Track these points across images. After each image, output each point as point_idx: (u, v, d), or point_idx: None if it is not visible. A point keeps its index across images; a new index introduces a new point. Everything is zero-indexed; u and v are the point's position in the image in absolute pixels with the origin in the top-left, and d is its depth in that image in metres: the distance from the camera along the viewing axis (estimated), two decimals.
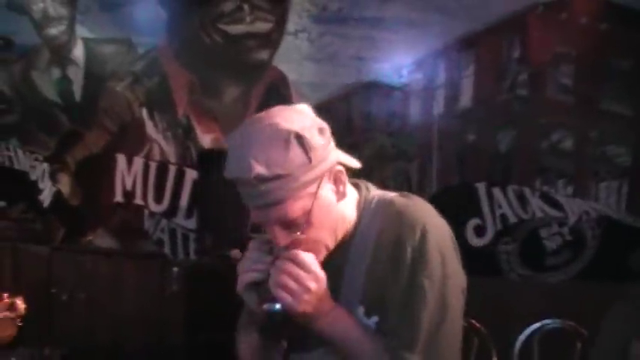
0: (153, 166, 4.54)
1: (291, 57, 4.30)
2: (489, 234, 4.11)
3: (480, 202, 4.08)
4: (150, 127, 4.52)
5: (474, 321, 2.66)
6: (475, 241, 4.02)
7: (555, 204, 4.06)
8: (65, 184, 4.78)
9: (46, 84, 4.79)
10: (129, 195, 4.61)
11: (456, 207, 3.95)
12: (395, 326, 1.47)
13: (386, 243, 1.50)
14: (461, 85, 4.34)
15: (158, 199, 4.54)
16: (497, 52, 4.33)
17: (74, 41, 4.72)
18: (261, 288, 1.46)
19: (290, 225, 1.44)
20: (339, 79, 4.20)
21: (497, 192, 4.08)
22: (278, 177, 1.38)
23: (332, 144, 1.46)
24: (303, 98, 4.23)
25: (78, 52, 4.71)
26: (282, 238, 1.45)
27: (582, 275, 4.08)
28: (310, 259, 1.44)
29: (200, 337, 3.81)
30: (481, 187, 4.07)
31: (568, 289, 4.04)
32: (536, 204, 4.05)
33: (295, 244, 1.45)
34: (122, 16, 4.63)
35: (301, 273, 1.42)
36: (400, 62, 4.30)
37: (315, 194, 1.44)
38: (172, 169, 4.50)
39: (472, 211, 4.10)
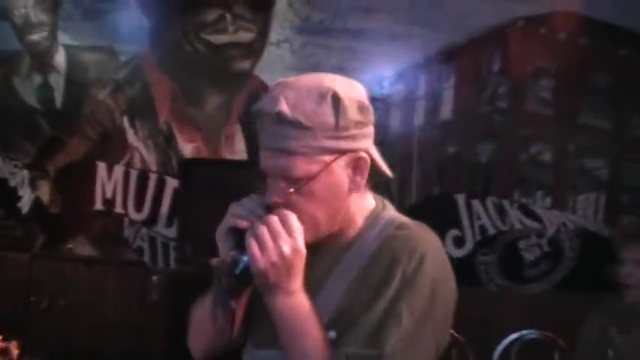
0: (133, 174, 4.53)
1: (274, 67, 4.31)
2: (468, 245, 4.14)
3: (459, 213, 4.12)
4: (131, 135, 4.51)
5: (452, 331, 2.68)
6: (454, 252, 4.05)
7: (534, 215, 4.11)
8: (45, 191, 4.75)
9: (27, 90, 4.75)
10: (109, 203, 4.59)
11: (435, 217, 3.96)
12: (358, 346, 1.34)
13: (379, 262, 1.40)
14: (441, 96, 4.38)
15: (138, 207, 4.53)
16: (478, 64, 4.38)
17: (56, 48, 4.69)
18: (240, 237, 1.37)
19: (290, 183, 1.36)
20: None
21: (476, 204, 4.12)
22: (299, 125, 1.33)
23: (369, 132, 1.41)
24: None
25: (59, 58, 4.69)
26: (276, 193, 1.38)
27: (560, 286, 4.12)
28: (298, 227, 1.34)
29: (180, 345, 3.78)
30: (460, 199, 4.11)
31: (546, 300, 4.08)
32: (514, 215, 4.10)
33: (289, 207, 1.36)
34: (104, 23, 4.61)
35: (282, 233, 1.32)
36: (381, 74, 4.33)
37: (327, 165, 1.36)
38: (153, 178, 4.50)
39: (451, 221, 4.13)
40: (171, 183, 4.43)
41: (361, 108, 1.39)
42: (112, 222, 4.59)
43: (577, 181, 4.22)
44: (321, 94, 1.35)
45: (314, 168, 1.35)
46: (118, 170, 4.55)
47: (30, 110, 4.75)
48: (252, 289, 1.43)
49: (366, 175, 1.43)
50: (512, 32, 4.23)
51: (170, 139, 4.44)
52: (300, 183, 1.36)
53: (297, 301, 1.36)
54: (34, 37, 4.74)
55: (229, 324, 1.42)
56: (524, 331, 3.41)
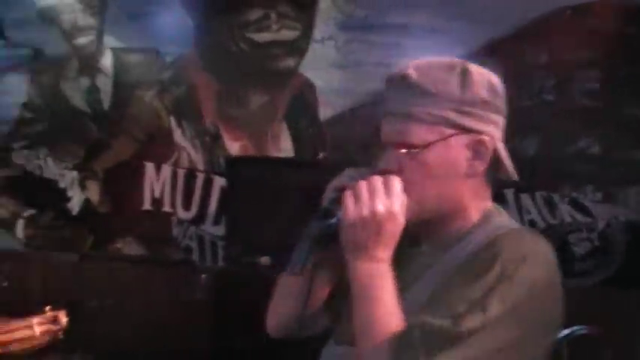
0: (181, 173, 4.57)
1: (318, 64, 4.31)
2: None
3: (508, 207, 4.07)
4: (178, 135, 4.56)
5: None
6: None
7: (584, 209, 4.04)
8: (94, 191, 4.83)
9: (75, 93, 4.84)
10: (157, 202, 4.65)
11: None
12: (435, 318, 1.25)
13: (478, 258, 1.31)
14: None
15: (186, 206, 4.57)
16: (522, 57, 4.32)
17: (102, 51, 4.77)
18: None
19: (403, 150, 1.33)
20: (365, 86, 4.20)
21: (525, 198, 4.07)
22: (423, 90, 1.32)
23: (497, 120, 1.38)
24: (329, 105, 4.26)
25: (106, 61, 4.76)
26: (388, 160, 1.36)
27: (611, 281, 4.06)
28: (399, 193, 1.30)
29: (227, 344, 3.81)
30: (509, 194, 4.06)
31: (596, 295, 4.02)
32: (564, 209, 4.04)
33: (398, 176, 1.32)
34: (150, 25, 4.67)
35: (381, 192, 1.28)
36: None
37: (446, 137, 1.32)
38: (200, 177, 4.53)
39: None
40: (219, 181, 4.45)
41: (491, 89, 1.37)
42: (160, 221, 4.64)
43: (627, 173, 4.15)
44: (451, 66, 1.35)
45: (431, 137, 1.32)
46: (166, 170, 4.61)
47: (78, 113, 4.83)
48: (338, 285, 1.40)
49: (486, 163, 1.38)
50: (558, 23, 4.16)
51: (216, 139, 4.47)
52: (415, 150, 1.32)
53: (379, 271, 1.31)
54: (82, 40, 4.82)
55: (306, 288, 1.40)
56: (575, 327, 3.36)
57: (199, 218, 4.54)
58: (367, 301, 1.31)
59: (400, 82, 1.34)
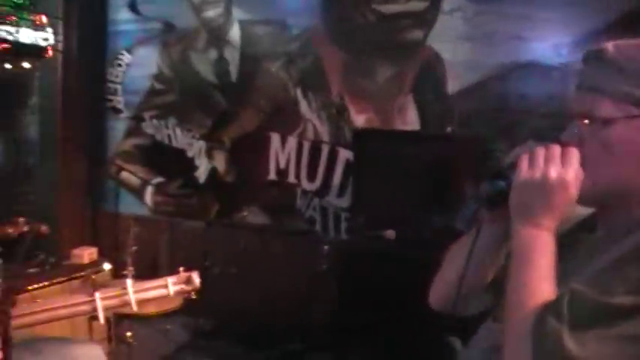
0: (306, 145, 4.61)
1: (446, 36, 4.21)
2: None
3: None
4: (304, 107, 4.59)
5: None
6: None
7: None
8: (220, 161, 4.94)
9: (204, 65, 4.95)
10: (282, 173, 4.71)
11: None
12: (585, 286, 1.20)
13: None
14: None
15: (311, 177, 4.61)
16: None
17: (230, 23, 4.85)
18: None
19: (588, 125, 1.30)
20: (494, 59, 4.09)
21: None
22: (617, 65, 1.28)
23: None
24: (457, 78, 4.17)
25: (234, 33, 4.83)
26: (570, 133, 1.34)
27: None
28: (575, 166, 1.28)
29: (348, 316, 3.82)
30: None
31: None
32: None
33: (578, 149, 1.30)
34: None
35: (557, 160, 1.28)
36: (559, 41, 4.14)
37: (633, 117, 1.27)
38: (325, 149, 4.56)
39: None
40: (344, 154, 4.47)
41: None
42: (285, 192, 4.70)
43: None
44: None
45: (616, 114, 1.28)
46: (292, 141, 4.65)
47: (206, 84, 4.94)
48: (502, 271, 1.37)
49: None
50: None
51: (342, 111, 4.47)
52: (598, 124, 1.30)
53: (541, 238, 1.29)
54: (210, 13, 4.92)
55: (469, 255, 1.39)
56: None
57: (323, 190, 4.57)
58: (523, 265, 1.29)
59: (595, 57, 1.31)
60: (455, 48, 4.18)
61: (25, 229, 2.57)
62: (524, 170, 1.29)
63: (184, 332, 4.54)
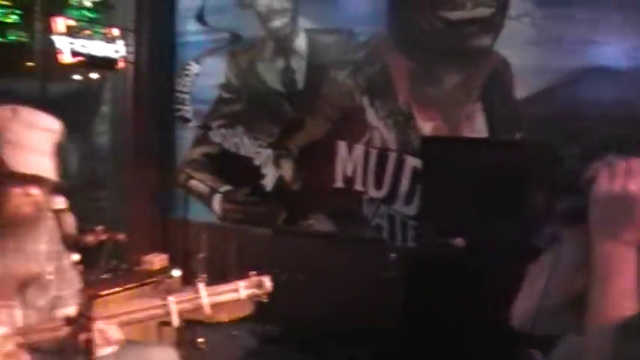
0: (373, 152, 4.62)
1: (514, 42, 4.17)
2: None
3: None
4: (371, 115, 4.60)
5: None
6: None
7: None
8: (288, 169, 4.99)
9: (271, 74, 5.01)
10: (349, 181, 4.72)
11: None
12: None
13: None
14: None
15: (378, 185, 4.61)
16: None
17: (297, 32, 4.90)
18: None
19: None
20: (563, 64, 4.02)
21: None
22: None
23: None
24: (525, 84, 4.12)
25: (300, 42, 4.88)
26: None
27: None
28: None
29: (415, 324, 3.79)
30: None
31: None
32: None
33: None
34: (343, 6, 4.75)
35: (637, 172, 1.25)
36: (630, 45, 4.05)
37: None
38: (392, 156, 4.55)
39: None
40: (410, 161, 4.46)
41: None
42: (352, 199, 4.71)
43: None
44: None
45: None
46: (358, 149, 4.67)
47: (273, 93, 5.00)
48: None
49: None
50: None
51: (409, 118, 4.46)
52: None
53: (621, 253, 1.27)
54: (277, 23, 4.98)
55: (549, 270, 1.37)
56: None
57: (390, 197, 4.57)
58: (603, 280, 1.27)
59: None
60: (523, 53, 4.14)
61: (104, 237, 2.64)
62: (603, 185, 1.28)
63: (252, 338, 4.58)
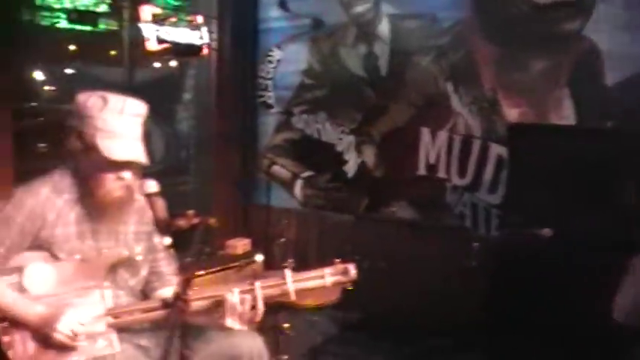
0: (457, 139, 4.56)
1: (604, 26, 4.03)
2: None
3: None
4: (455, 101, 4.54)
5: None
6: None
7: None
8: (370, 155, 4.98)
9: (353, 60, 5.00)
10: (432, 168, 4.68)
11: None
12: None
13: None
14: None
15: (461, 173, 4.56)
16: None
17: (379, 18, 4.86)
18: None
19: None
20: None
21: None
22: None
23: None
24: (616, 70, 3.98)
25: (383, 28, 4.85)
26: None
27: None
28: None
29: (499, 314, 3.74)
30: None
31: None
32: None
33: None
34: None
35: None
36: None
37: None
38: (477, 144, 4.49)
39: None
40: (495, 149, 4.39)
41: None
42: (435, 187, 4.67)
43: None
44: None
45: None
46: (442, 136, 4.62)
47: (356, 79, 4.99)
48: None
49: None
50: None
51: (494, 105, 4.38)
52: None
53: None
54: (359, 8, 4.96)
55: None
56: None
57: (474, 185, 4.51)
58: None
59: None
60: (614, 38, 3.99)
61: (195, 221, 2.69)
62: None
63: (331, 324, 4.60)
